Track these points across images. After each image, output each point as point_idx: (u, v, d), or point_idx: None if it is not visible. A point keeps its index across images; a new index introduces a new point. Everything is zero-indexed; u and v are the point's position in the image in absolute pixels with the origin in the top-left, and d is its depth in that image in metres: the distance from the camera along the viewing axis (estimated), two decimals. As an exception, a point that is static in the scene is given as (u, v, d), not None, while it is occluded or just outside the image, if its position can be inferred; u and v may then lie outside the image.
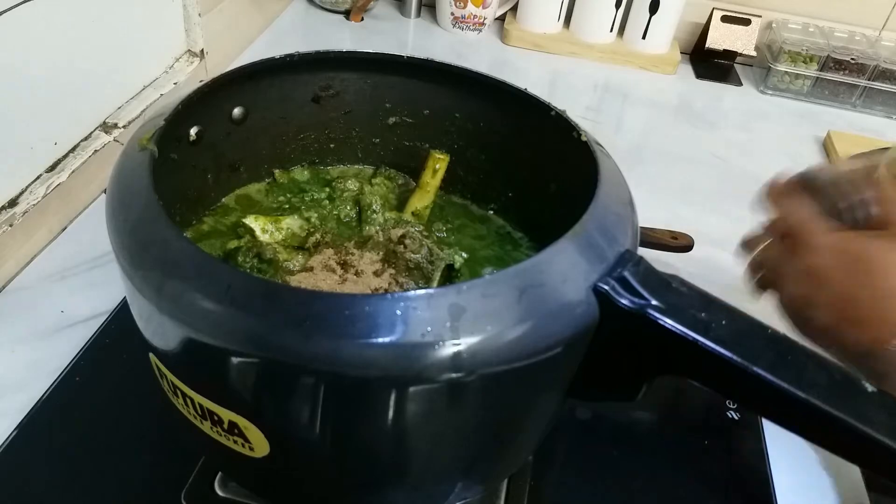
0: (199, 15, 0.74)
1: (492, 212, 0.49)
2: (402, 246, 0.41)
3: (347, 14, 1.05)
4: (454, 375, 0.27)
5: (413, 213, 0.46)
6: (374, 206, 0.46)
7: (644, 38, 1.01)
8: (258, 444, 0.31)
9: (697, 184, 0.79)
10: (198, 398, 0.31)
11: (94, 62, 0.60)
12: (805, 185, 0.40)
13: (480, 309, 0.27)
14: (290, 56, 0.43)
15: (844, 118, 0.97)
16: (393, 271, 0.39)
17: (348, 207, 0.47)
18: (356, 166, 0.51)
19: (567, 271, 0.29)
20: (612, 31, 1.02)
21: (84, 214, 0.63)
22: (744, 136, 0.90)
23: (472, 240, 0.46)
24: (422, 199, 0.47)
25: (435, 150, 0.47)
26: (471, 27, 1.04)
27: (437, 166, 0.46)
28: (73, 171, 0.58)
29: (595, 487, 0.46)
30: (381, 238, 0.42)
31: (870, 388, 0.27)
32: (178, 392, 0.32)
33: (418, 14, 1.08)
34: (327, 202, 0.47)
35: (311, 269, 0.39)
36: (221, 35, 0.82)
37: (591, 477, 0.47)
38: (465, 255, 0.44)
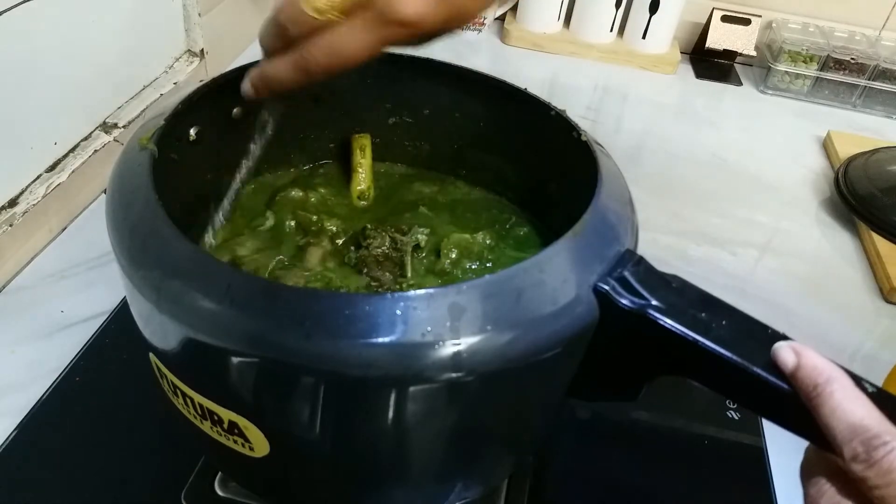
0: (199, 15, 0.74)
1: (492, 211, 0.49)
2: (365, 245, 0.41)
3: (347, 14, 1.04)
4: (454, 375, 0.27)
5: (359, 198, 0.47)
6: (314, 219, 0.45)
7: (644, 37, 1.01)
8: (258, 444, 0.31)
9: (697, 184, 0.79)
10: (198, 398, 0.31)
11: (94, 62, 0.60)
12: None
13: (480, 309, 0.27)
14: (290, 56, 0.43)
15: (844, 118, 0.96)
16: (366, 269, 0.40)
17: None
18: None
19: (567, 271, 0.29)
20: (612, 30, 1.02)
21: (84, 214, 0.62)
22: (744, 136, 0.90)
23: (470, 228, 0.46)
24: (361, 181, 0.48)
25: (358, 133, 0.48)
26: (471, 27, 1.04)
27: (363, 145, 0.48)
28: (73, 171, 0.58)
29: (595, 487, 0.46)
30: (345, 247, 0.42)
31: (869, 388, 0.27)
32: (178, 392, 0.32)
33: (418, 14, 1.08)
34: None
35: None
36: (221, 35, 0.82)
37: (591, 477, 0.47)
38: (426, 230, 0.44)
